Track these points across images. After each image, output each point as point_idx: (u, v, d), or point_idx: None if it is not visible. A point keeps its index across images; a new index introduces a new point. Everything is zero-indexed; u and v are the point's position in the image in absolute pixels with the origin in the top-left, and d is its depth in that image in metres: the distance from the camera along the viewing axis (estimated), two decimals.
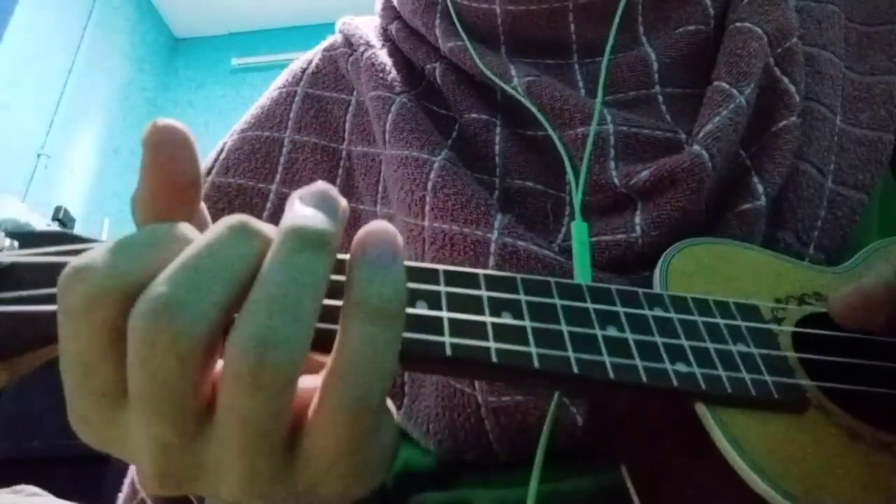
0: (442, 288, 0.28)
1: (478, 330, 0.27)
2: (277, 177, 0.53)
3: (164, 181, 0.26)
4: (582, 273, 0.40)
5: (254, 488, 0.24)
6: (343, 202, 0.26)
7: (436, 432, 0.41)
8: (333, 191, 0.26)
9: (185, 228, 0.25)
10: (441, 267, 0.29)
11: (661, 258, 0.37)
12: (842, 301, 0.34)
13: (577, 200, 0.43)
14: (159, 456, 0.24)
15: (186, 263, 0.23)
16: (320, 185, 0.26)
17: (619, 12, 0.51)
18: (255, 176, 0.53)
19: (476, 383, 0.40)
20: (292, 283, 0.23)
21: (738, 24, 0.48)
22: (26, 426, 1.61)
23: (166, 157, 0.26)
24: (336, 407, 0.23)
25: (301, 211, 0.25)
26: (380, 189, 0.50)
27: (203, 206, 0.29)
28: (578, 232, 0.41)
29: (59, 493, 0.54)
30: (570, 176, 0.45)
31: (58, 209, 2.87)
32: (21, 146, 2.86)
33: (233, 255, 0.24)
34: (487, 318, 0.28)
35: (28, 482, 0.55)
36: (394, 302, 0.24)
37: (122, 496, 0.48)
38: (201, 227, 0.28)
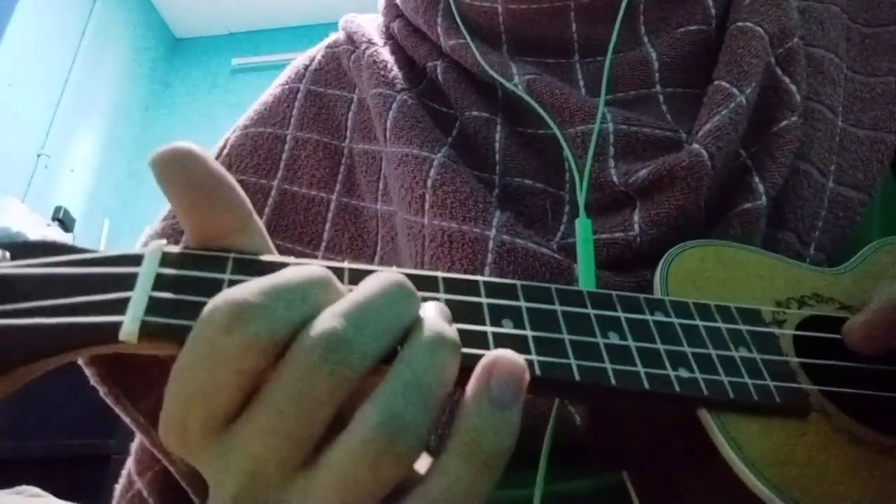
0: (442, 295, 0.28)
1: (479, 339, 0.27)
2: (279, 173, 0.53)
3: (187, 196, 0.27)
4: (585, 270, 0.40)
5: None
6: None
7: (436, 427, 0.41)
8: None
9: (332, 279, 0.25)
10: (441, 274, 0.29)
11: (662, 260, 0.37)
12: (860, 328, 0.34)
13: (581, 198, 0.43)
14: (252, 479, 0.23)
15: (361, 304, 0.24)
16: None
17: (622, 12, 0.50)
18: (257, 172, 0.53)
19: None
20: (432, 373, 0.24)
21: (739, 24, 0.48)
22: (26, 426, 1.61)
23: (173, 168, 0.26)
24: None
25: (439, 313, 0.26)
26: (381, 186, 0.50)
27: (261, 226, 0.29)
28: (583, 229, 0.41)
29: (58, 493, 0.54)
30: (574, 174, 0.45)
31: (58, 209, 2.87)
32: (21, 146, 2.86)
33: (399, 312, 0.24)
34: (488, 328, 0.28)
35: (28, 482, 0.55)
36: (504, 451, 0.24)
37: (118, 486, 0.48)
38: (261, 247, 0.28)
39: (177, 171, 0.27)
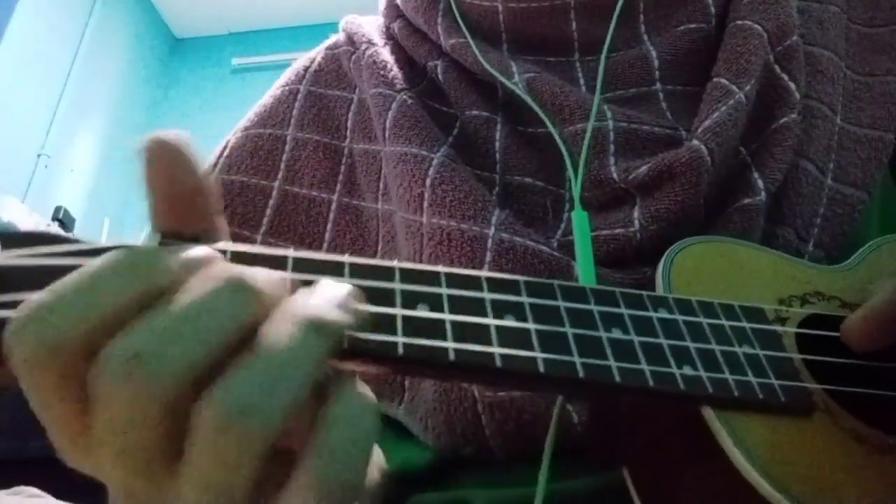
0: (444, 290, 0.28)
1: (481, 334, 0.27)
2: (280, 174, 0.53)
3: (163, 193, 0.26)
4: (584, 263, 0.40)
5: None
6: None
7: (434, 427, 0.41)
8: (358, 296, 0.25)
9: (162, 260, 0.23)
10: (442, 269, 0.28)
11: (664, 256, 0.37)
12: (858, 325, 0.34)
13: (576, 192, 0.43)
14: (125, 494, 0.23)
15: (172, 315, 0.21)
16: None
17: (618, 9, 0.51)
18: (257, 173, 0.53)
19: None
20: (291, 363, 0.22)
21: (738, 22, 0.48)
22: (26, 426, 1.61)
23: (160, 169, 0.26)
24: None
25: (323, 295, 0.24)
26: (381, 186, 0.50)
27: (218, 213, 0.28)
28: (579, 221, 0.41)
29: (58, 494, 0.54)
30: (569, 171, 0.45)
31: (58, 209, 2.87)
32: (21, 146, 2.86)
33: (225, 316, 0.22)
34: (491, 322, 0.27)
35: (28, 482, 0.55)
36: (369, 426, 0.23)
37: None
38: (215, 236, 0.27)
39: (163, 170, 0.26)
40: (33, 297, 0.22)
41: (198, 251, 0.24)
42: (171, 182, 0.26)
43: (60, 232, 0.26)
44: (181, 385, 0.21)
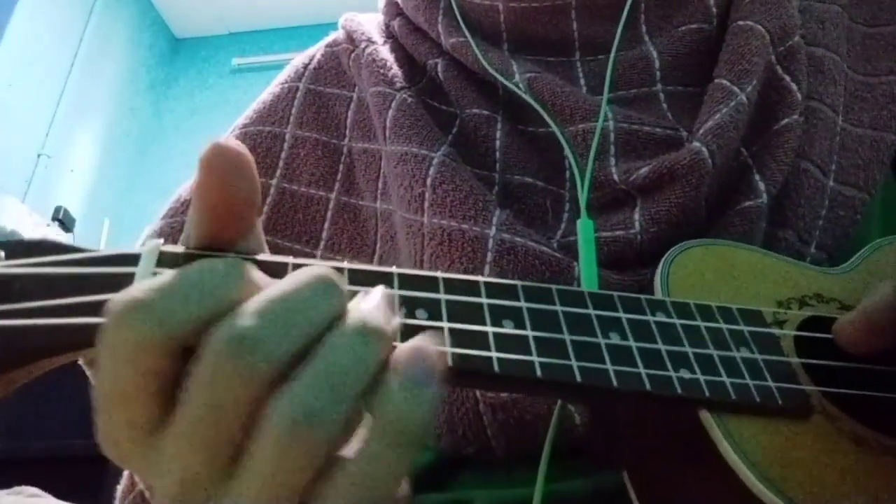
0: (442, 296, 0.28)
1: (479, 340, 0.27)
2: (278, 172, 0.53)
3: (214, 201, 0.26)
4: (587, 271, 0.40)
5: None
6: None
7: (435, 426, 0.41)
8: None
9: (253, 272, 0.24)
10: (441, 275, 0.29)
11: (662, 260, 0.37)
12: (848, 327, 0.34)
13: (582, 199, 0.43)
14: (184, 486, 0.23)
15: (273, 301, 0.23)
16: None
17: (626, 11, 0.51)
18: (256, 170, 0.53)
19: None
20: (346, 365, 0.23)
21: (740, 23, 0.48)
22: (26, 426, 1.60)
23: (217, 176, 0.26)
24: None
25: (374, 305, 0.25)
26: (380, 185, 0.50)
27: (259, 227, 0.28)
28: (585, 230, 0.41)
29: (58, 494, 0.54)
30: (575, 173, 0.45)
31: (58, 209, 2.87)
32: (21, 146, 2.86)
33: (317, 308, 0.24)
34: (489, 328, 0.28)
35: (28, 482, 0.55)
36: (421, 429, 0.23)
37: (120, 488, 0.48)
38: (255, 248, 0.28)
39: (219, 178, 0.26)
40: (136, 288, 0.22)
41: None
42: (226, 190, 0.26)
43: (61, 240, 0.27)
44: (274, 372, 0.22)
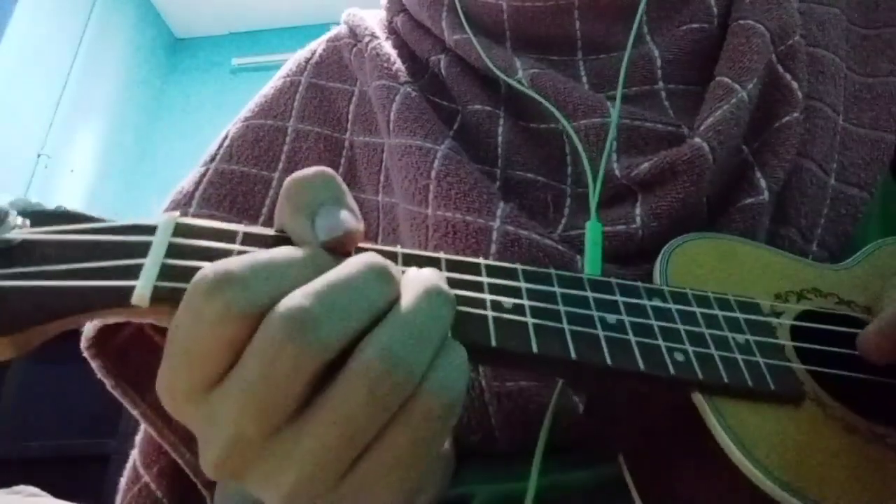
0: (444, 274, 0.29)
1: (478, 316, 0.28)
2: (280, 165, 0.53)
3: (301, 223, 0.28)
4: (592, 270, 0.40)
5: (304, 494, 0.25)
6: None
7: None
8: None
9: (318, 261, 0.26)
10: (443, 255, 0.30)
11: (662, 252, 0.37)
12: (870, 341, 0.34)
13: (593, 203, 0.43)
14: (232, 447, 0.24)
15: (332, 285, 0.24)
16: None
17: (641, 10, 0.51)
18: (258, 164, 0.53)
19: (480, 368, 0.40)
20: (429, 320, 0.25)
21: (741, 22, 0.48)
22: (26, 426, 1.61)
23: (316, 199, 0.28)
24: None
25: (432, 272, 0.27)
26: (381, 178, 0.50)
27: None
28: (593, 232, 0.41)
29: (58, 494, 0.54)
30: (586, 167, 0.45)
31: (58, 209, 2.87)
32: (21, 146, 2.86)
33: (372, 294, 0.25)
34: (488, 300, 0.28)
35: (28, 482, 0.55)
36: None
37: (123, 480, 0.49)
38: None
39: (319, 197, 0.28)
40: (231, 262, 0.24)
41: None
42: (318, 208, 0.28)
43: (84, 212, 0.29)
44: (337, 348, 0.24)
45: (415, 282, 0.26)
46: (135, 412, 0.40)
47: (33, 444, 1.57)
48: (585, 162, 0.45)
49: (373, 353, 0.24)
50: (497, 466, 0.40)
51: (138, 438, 0.49)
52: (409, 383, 0.24)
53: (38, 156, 2.94)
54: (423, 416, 0.24)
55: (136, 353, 0.40)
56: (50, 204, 2.85)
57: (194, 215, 0.51)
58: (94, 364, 0.39)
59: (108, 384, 0.39)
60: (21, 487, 0.54)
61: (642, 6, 0.51)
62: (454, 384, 0.25)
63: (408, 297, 0.25)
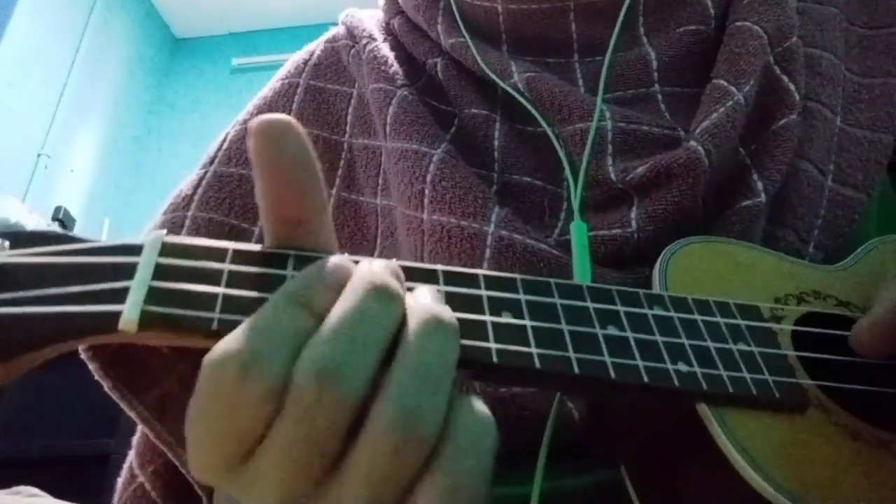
0: (441, 288, 0.28)
1: (478, 330, 0.27)
2: None
3: (274, 168, 0.27)
4: (581, 273, 0.40)
5: None
6: None
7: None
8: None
9: (307, 296, 0.25)
10: (440, 267, 0.29)
11: (661, 256, 0.37)
12: (864, 335, 0.34)
13: (575, 202, 0.43)
14: (284, 500, 0.24)
15: (341, 331, 0.24)
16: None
17: (623, 12, 0.51)
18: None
19: None
20: (432, 357, 0.25)
21: (738, 24, 0.48)
22: (26, 426, 1.61)
23: (270, 144, 0.27)
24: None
25: (432, 299, 0.27)
26: (380, 181, 0.50)
27: (329, 218, 0.29)
28: (578, 233, 0.41)
29: (58, 494, 0.54)
30: (567, 173, 0.45)
31: (58, 209, 2.87)
32: (21, 146, 2.86)
33: (380, 322, 0.25)
34: (487, 317, 0.28)
35: (28, 482, 0.55)
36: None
37: (120, 480, 0.49)
38: (322, 235, 0.29)
39: (272, 142, 0.27)
40: (237, 340, 0.24)
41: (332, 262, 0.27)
42: (280, 150, 0.27)
43: (65, 232, 0.28)
44: (365, 390, 0.24)
45: (419, 314, 0.26)
46: (131, 413, 0.40)
47: (33, 444, 1.57)
48: (566, 164, 0.45)
49: (390, 414, 0.23)
50: (495, 472, 0.39)
51: (135, 439, 0.49)
52: (432, 436, 0.24)
53: (38, 156, 2.94)
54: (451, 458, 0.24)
55: (133, 354, 0.40)
56: (50, 204, 2.85)
57: (193, 218, 0.51)
58: (91, 366, 0.39)
59: (106, 385, 0.39)
60: (21, 487, 0.54)
61: (625, 8, 0.51)
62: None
63: (414, 337, 0.25)
